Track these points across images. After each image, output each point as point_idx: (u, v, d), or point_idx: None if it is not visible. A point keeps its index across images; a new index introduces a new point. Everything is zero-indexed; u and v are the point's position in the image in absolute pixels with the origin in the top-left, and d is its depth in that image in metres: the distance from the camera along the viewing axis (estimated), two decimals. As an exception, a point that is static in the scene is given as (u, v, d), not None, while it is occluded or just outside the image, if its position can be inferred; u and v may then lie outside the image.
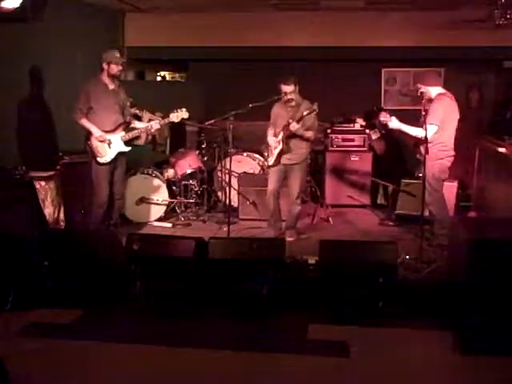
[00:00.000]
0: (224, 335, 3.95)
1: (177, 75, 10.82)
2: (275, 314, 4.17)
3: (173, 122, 5.91)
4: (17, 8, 4.91)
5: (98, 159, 5.47)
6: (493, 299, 3.56)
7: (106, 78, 5.49)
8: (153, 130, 5.87)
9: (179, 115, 5.70)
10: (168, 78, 10.79)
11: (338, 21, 7.80)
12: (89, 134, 5.45)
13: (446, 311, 3.98)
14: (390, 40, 7.75)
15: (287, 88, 5.49)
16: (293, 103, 5.54)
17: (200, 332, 4.00)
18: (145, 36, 8.20)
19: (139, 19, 8.20)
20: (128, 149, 5.61)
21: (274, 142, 5.61)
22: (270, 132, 5.73)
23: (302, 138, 5.55)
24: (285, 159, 5.62)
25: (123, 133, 5.56)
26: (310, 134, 5.57)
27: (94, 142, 5.44)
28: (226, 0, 7.23)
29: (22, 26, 5.35)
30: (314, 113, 5.43)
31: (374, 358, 3.59)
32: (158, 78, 10.67)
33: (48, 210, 5.59)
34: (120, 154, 5.56)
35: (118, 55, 5.50)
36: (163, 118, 6.12)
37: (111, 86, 5.53)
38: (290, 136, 5.51)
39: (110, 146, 5.48)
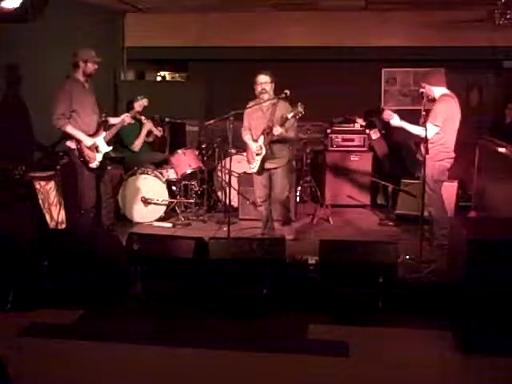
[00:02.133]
0: (224, 335, 3.95)
1: (177, 75, 10.81)
2: (275, 313, 4.17)
3: (139, 112, 6.12)
4: (17, 8, 4.91)
5: (90, 165, 5.38)
6: (493, 299, 3.56)
7: (81, 78, 5.34)
8: (126, 124, 5.73)
9: (140, 103, 5.99)
10: (168, 78, 10.78)
11: (338, 21, 7.80)
12: (78, 142, 5.33)
13: (446, 311, 3.98)
14: (390, 40, 7.75)
15: (262, 78, 5.32)
16: (265, 96, 5.34)
17: (200, 332, 4.00)
18: (145, 36, 8.20)
19: (139, 19, 8.20)
20: (110, 148, 5.54)
21: (256, 147, 5.38)
22: (247, 136, 5.50)
23: (283, 140, 5.37)
24: (268, 164, 5.44)
25: (104, 133, 5.48)
26: (292, 134, 5.40)
27: (85, 150, 5.34)
28: (226, 0, 7.23)
29: (21, 25, 5.34)
30: (300, 115, 5.19)
31: (373, 358, 3.59)
32: (158, 78, 10.67)
33: (48, 210, 5.58)
34: (105, 155, 5.50)
35: (94, 53, 5.36)
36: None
37: (86, 85, 5.40)
38: (272, 140, 5.31)
39: (97, 150, 5.40)
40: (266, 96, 5.34)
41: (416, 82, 5.93)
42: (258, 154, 5.38)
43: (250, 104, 5.45)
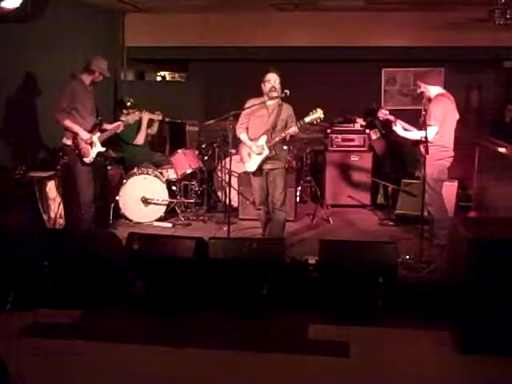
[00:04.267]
0: (224, 335, 3.95)
1: (177, 75, 10.82)
2: (275, 314, 4.17)
3: (130, 124, 6.12)
4: (17, 8, 4.91)
5: (84, 159, 5.50)
6: (493, 299, 3.56)
7: (87, 81, 5.52)
8: (118, 131, 5.88)
9: (133, 117, 6.13)
10: (168, 78, 10.79)
11: (338, 21, 7.80)
12: (75, 135, 5.45)
13: (446, 311, 3.98)
14: (390, 40, 7.75)
15: (271, 76, 5.13)
16: (274, 93, 5.12)
17: (200, 332, 4.00)
18: (145, 36, 8.21)
19: (139, 19, 8.20)
20: (104, 149, 5.64)
21: (257, 147, 5.15)
22: (243, 135, 5.27)
23: (284, 140, 5.20)
24: (268, 164, 5.22)
25: (99, 133, 5.61)
26: (296, 131, 5.21)
27: (81, 143, 5.46)
28: (226, 0, 7.23)
29: (21, 25, 5.34)
30: (318, 121, 5.05)
31: (373, 358, 3.59)
32: (158, 78, 10.67)
33: (47, 210, 5.58)
34: (98, 154, 5.60)
35: (107, 65, 5.57)
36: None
37: (89, 88, 5.59)
38: (276, 143, 5.13)
39: (91, 146, 5.51)
40: (275, 94, 5.13)
41: (417, 80, 5.91)
42: (259, 154, 5.18)
43: (255, 101, 5.22)
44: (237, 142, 5.53)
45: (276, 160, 5.25)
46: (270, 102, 5.19)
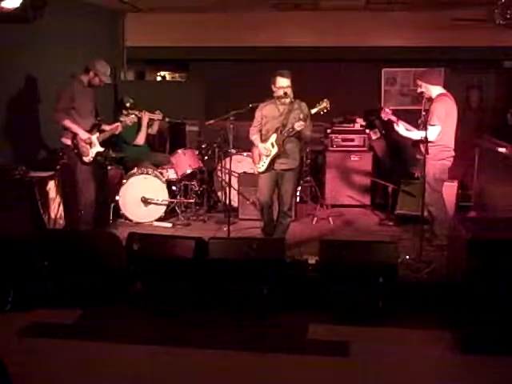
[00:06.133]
0: (224, 335, 3.94)
1: (177, 75, 10.82)
2: (275, 314, 4.17)
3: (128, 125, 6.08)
4: (17, 8, 4.91)
5: (84, 158, 5.53)
6: (492, 299, 3.57)
7: (85, 81, 5.56)
8: (117, 132, 5.89)
9: (132, 119, 6.06)
10: (168, 78, 10.79)
11: (338, 21, 7.80)
12: (74, 134, 5.48)
13: (446, 311, 3.99)
14: (390, 40, 7.75)
15: (284, 81, 5.03)
16: (287, 100, 5.05)
17: (200, 332, 4.00)
18: (145, 36, 8.21)
19: (139, 19, 8.21)
20: (102, 149, 5.66)
21: (265, 148, 5.13)
22: (255, 137, 5.24)
23: (297, 139, 5.17)
24: (279, 164, 5.16)
25: (98, 134, 5.64)
26: (308, 132, 5.18)
27: (80, 142, 5.50)
28: (226, 0, 7.23)
29: (21, 25, 5.34)
30: (325, 110, 4.97)
31: (374, 358, 3.58)
32: (158, 78, 10.68)
33: (47, 210, 5.59)
34: (97, 154, 5.62)
35: (109, 72, 5.61)
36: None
37: (89, 88, 5.63)
38: (288, 136, 5.06)
39: (90, 146, 5.55)
40: (287, 101, 5.07)
41: (416, 79, 5.88)
42: (267, 155, 5.14)
43: (265, 107, 5.21)
44: (241, 143, 5.54)
45: (289, 158, 5.17)
46: (281, 105, 5.16)
